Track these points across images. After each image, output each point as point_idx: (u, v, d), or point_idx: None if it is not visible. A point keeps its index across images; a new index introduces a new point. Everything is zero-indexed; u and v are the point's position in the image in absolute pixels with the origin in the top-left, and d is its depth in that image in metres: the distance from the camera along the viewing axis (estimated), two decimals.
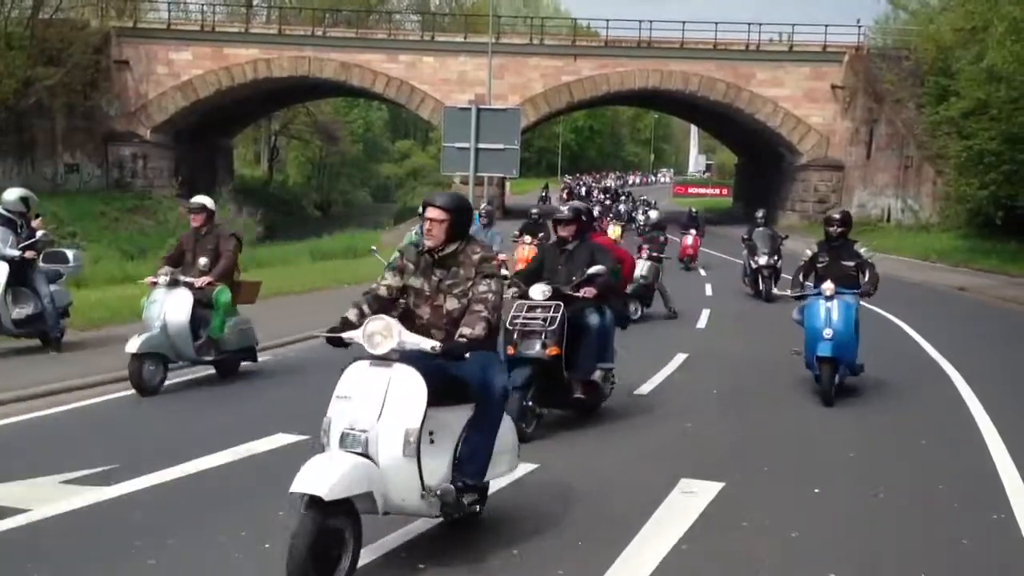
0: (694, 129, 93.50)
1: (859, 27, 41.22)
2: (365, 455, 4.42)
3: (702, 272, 24.27)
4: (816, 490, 6.28)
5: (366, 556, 4.78)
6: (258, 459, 6.66)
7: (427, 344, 4.61)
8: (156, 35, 39.29)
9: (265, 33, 40.15)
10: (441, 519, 4.88)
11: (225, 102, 41.43)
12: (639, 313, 14.57)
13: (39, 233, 10.32)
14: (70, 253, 11.44)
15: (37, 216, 10.70)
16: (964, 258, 27.68)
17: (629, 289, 14.44)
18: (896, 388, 10.21)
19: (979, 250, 28.12)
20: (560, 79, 40.75)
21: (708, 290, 19.99)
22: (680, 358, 11.34)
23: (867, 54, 39.65)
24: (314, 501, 4.23)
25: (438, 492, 4.58)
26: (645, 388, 9.57)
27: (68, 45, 35.45)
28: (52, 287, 10.36)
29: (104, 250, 27.21)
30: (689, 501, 5.89)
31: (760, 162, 47.87)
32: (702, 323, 14.88)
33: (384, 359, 4.61)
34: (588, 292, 7.67)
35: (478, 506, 5.09)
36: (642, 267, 14.72)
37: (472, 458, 4.82)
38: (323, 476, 4.26)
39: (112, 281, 18.25)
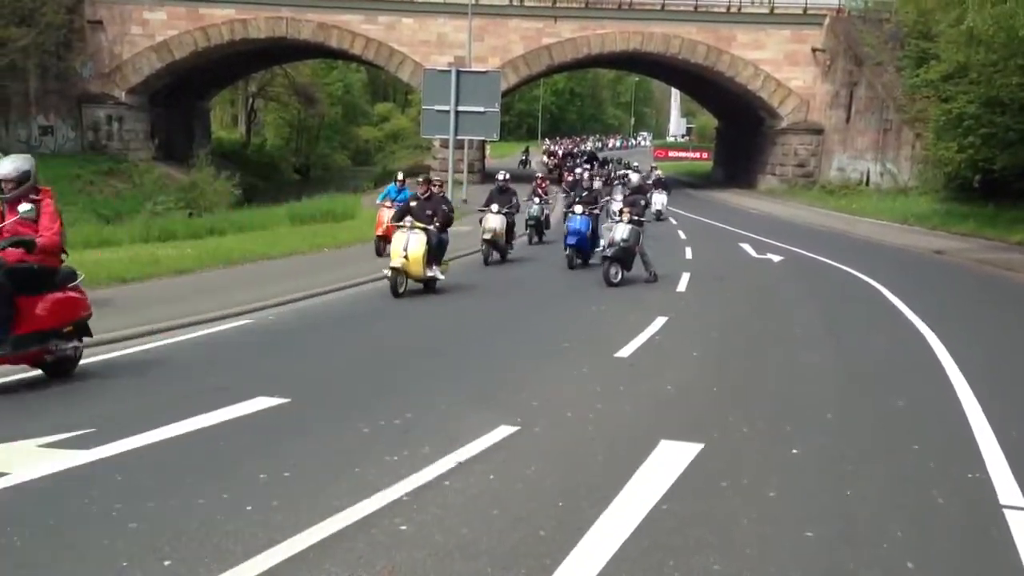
0: (675, 92, 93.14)
1: None
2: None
3: (682, 235, 24.32)
4: (794, 451, 6.34)
5: (344, 519, 4.81)
6: (238, 422, 6.64)
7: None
8: None
9: None
10: None
11: (201, 63, 40.87)
12: (620, 277, 14.60)
13: None
14: None
15: None
16: (941, 221, 27.90)
17: (610, 252, 14.65)
18: (874, 350, 10.32)
19: (956, 213, 28.34)
20: (540, 41, 40.44)
21: (688, 253, 20.06)
22: (660, 321, 11.39)
23: (848, 17, 39.57)
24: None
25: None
26: (625, 351, 9.61)
27: (40, 5, 34.79)
28: None
29: (80, 213, 26.91)
30: (669, 462, 5.94)
31: (740, 126, 47.83)
32: (682, 286, 14.94)
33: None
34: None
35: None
36: (623, 231, 14.72)
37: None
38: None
39: (88, 245, 18.06)
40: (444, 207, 13.78)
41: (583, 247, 16.80)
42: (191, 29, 38.97)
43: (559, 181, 35.04)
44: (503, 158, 61.22)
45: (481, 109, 25.10)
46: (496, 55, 39.58)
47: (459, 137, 26.49)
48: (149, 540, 4.52)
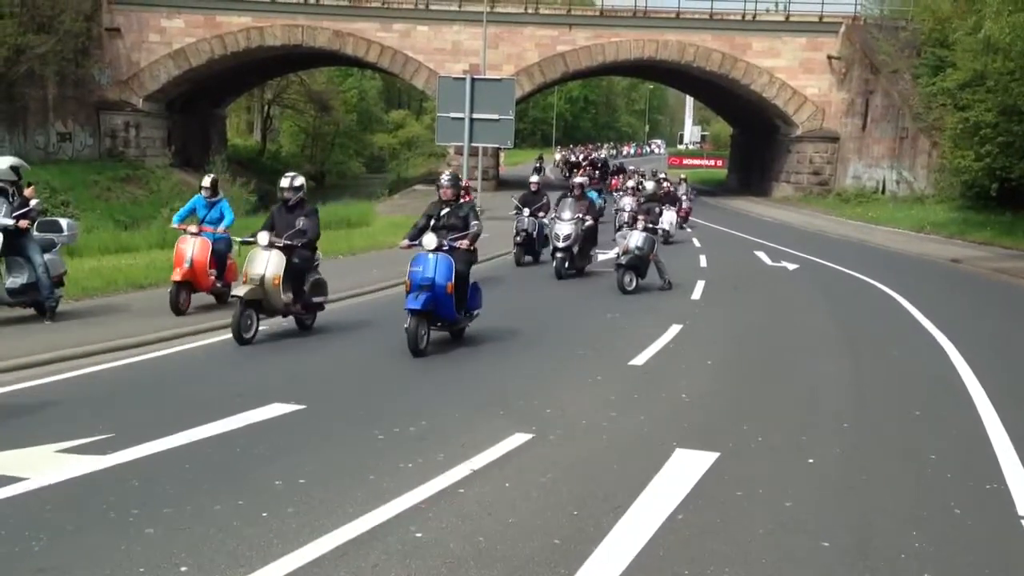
0: (689, 100, 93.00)
1: None
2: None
3: (696, 243, 24.27)
4: (810, 460, 6.32)
5: (359, 527, 4.81)
6: (255, 428, 6.67)
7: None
8: (147, 2, 38.78)
9: (258, 1, 39.69)
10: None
11: (218, 71, 41.04)
12: (634, 284, 14.59)
13: (32, 202, 10.26)
14: (64, 222, 11.41)
15: (29, 185, 10.66)
16: (958, 230, 27.73)
17: (624, 260, 14.63)
18: (890, 360, 10.26)
19: (973, 222, 28.16)
20: (555, 49, 40.45)
21: (703, 261, 20.01)
22: (675, 329, 11.37)
23: (863, 24, 39.43)
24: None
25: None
26: (639, 359, 9.60)
27: (59, 12, 35.02)
28: (46, 256, 10.33)
29: (97, 220, 27.08)
30: (684, 471, 5.93)
31: (755, 133, 47.71)
32: (696, 294, 14.90)
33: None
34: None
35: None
36: (637, 238, 14.71)
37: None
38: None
39: (106, 251, 18.18)
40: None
41: (442, 308, 9.57)
42: (208, 37, 39.18)
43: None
44: (516, 165, 61.24)
45: (496, 116, 25.14)
46: (511, 62, 39.61)
47: (474, 144, 26.53)
48: (166, 546, 4.55)
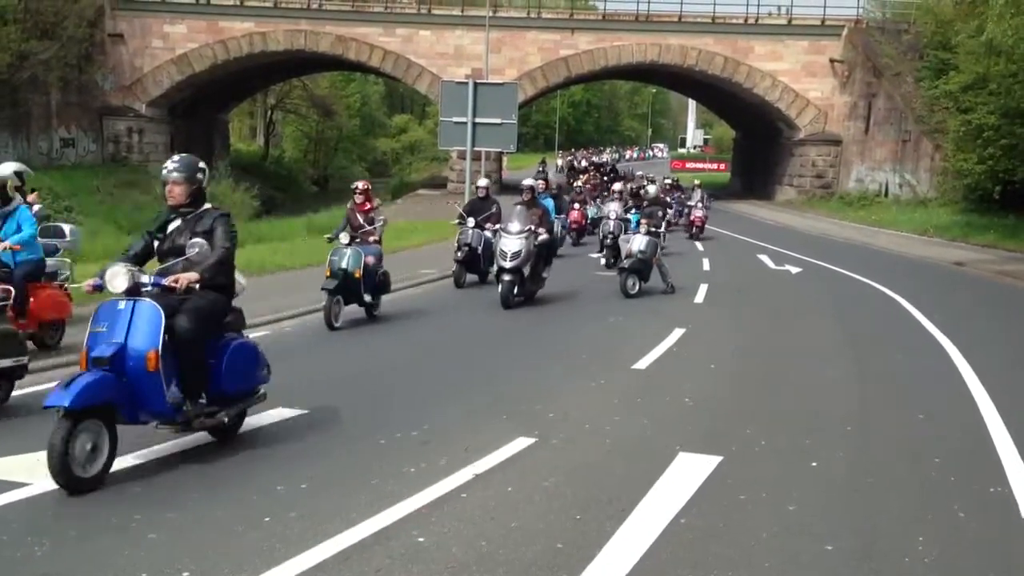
0: (692, 104, 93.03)
1: (858, 0, 40.99)
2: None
3: (699, 247, 24.26)
4: (813, 464, 6.30)
5: (361, 531, 4.81)
6: (256, 433, 6.67)
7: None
8: (150, 8, 38.92)
9: (261, 6, 39.74)
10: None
11: (220, 76, 41.13)
12: (637, 288, 14.58)
13: (35, 207, 10.27)
14: (67, 228, 11.43)
15: (32, 190, 10.68)
16: (961, 233, 27.71)
17: (627, 264, 14.59)
18: (893, 362, 10.25)
19: (976, 225, 28.14)
20: (558, 53, 40.50)
21: (706, 265, 20.00)
22: (678, 333, 11.36)
23: (866, 28, 39.42)
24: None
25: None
26: (643, 363, 9.59)
27: (62, 19, 35.15)
28: (49, 261, 10.34)
29: (100, 224, 27.10)
30: (687, 475, 5.91)
31: (758, 137, 47.70)
32: (700, 298, 14.90)
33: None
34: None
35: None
36: (640, 242, 14.71)
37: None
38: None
39: (109, 255, 18.20)
40: None
41: (143, 397, 5.54)
42: (211, 42, 39.27)
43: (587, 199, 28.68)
44: (520, 170, 61.24)
45: (498, 121, 25.14)
46: (513, 67, 39.65)
47: (476, 149, 26.54)
48: (168, 551, 4.54)
